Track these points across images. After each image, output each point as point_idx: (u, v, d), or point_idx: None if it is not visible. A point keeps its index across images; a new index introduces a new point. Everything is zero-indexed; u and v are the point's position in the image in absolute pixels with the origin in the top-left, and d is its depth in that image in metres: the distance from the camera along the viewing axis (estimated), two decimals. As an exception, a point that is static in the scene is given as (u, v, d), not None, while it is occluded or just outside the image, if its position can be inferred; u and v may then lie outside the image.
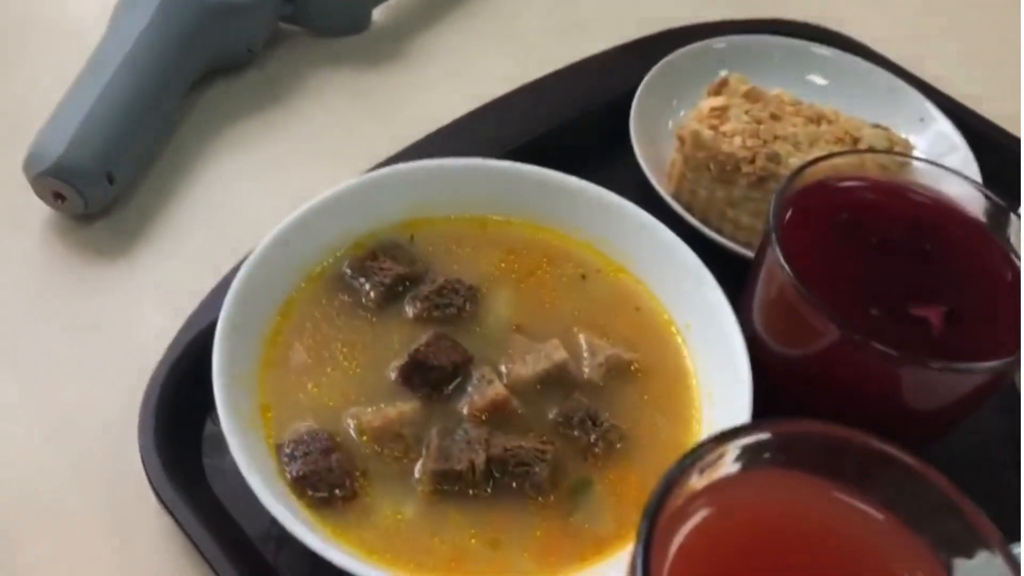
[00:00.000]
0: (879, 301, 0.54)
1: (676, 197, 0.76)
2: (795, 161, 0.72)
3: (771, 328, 0.56)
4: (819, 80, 0.87)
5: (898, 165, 0.60)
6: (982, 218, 0.58)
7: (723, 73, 0.82)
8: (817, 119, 0.76)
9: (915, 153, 0.80)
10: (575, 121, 0.81)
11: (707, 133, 0.72)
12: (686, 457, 0.35)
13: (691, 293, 0.61)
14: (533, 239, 0.66)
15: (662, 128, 0.81)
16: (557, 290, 0.64)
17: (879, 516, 0.36)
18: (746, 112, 0.75)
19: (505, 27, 0.96)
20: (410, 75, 0.90)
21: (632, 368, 0.59)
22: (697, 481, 0.36)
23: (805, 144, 0.74)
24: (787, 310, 0.54)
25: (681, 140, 0.74)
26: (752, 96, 0.77)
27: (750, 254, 0.65)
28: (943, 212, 0.59)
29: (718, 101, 0.76)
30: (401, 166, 0.65)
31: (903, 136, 0.81)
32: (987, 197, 0.58)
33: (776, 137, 0.73)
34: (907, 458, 0.36)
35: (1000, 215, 0.57)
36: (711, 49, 0.84)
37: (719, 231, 0.75)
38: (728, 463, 0.37)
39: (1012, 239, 0.57)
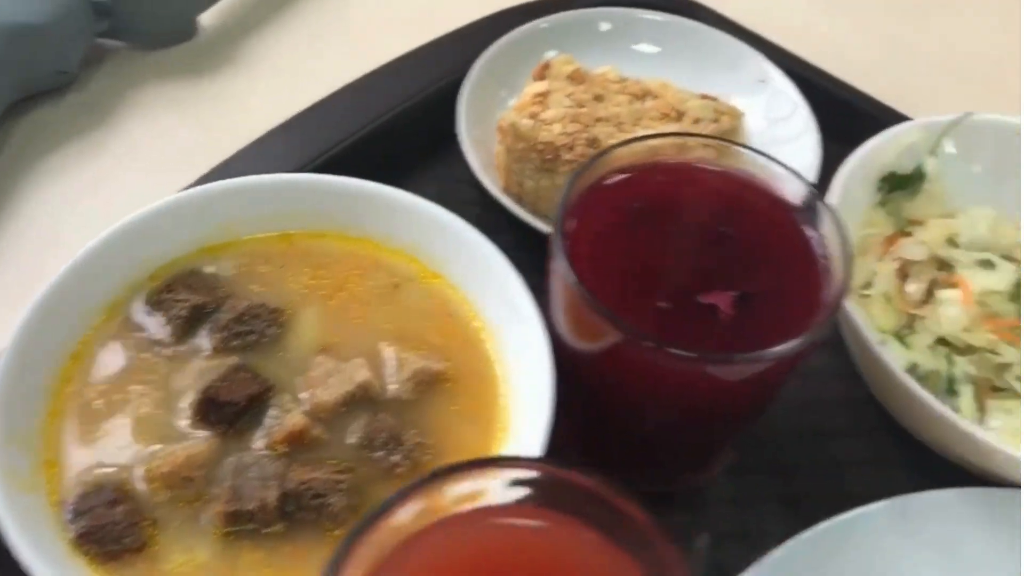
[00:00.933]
0: (669, 292, 0.53)
1: (507, 190, 0.74)
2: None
3: (567, 328, 0.55)
4: (650, 48, 0.85)
5: (702, 145, 0.59)
6: (788, 199, 0.56)
7: (549, 55, 0.80)
8: (643, 95, 0.74)
9: (748, 117, 0.79)
10: (403, 118, 0.78)
11: (525, 123, 0.70)
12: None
13: (500, 296, 0.59)
14: (343, 251, 0.64)
15: (492, 120, 0.79)
16: (368, 303, 0.61)
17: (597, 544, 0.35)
18: (568, 95, 0.73)
19: (337, 23, 0.93)
20: (239, 81, 0.87)
21: (442, 378, 0.58)
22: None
23: (628, 123, 0.72)
24: (575, 310, 0.52)
25: (502, 132, 0.72)
26: (576, 77, 0.75)
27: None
28: (745, 194, 0.57)
29: (540, 87, 0.73)
30: (193, 191, 0.62)
31: (735, 103, 0.80)
32: (794, 176, 0.56)
33: (598, 119, 0.72)
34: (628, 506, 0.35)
35: (806, 195, 0.55)
36: (537, 31, 0.82)
37: (549, 218, 0.73)
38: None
39: (816, 219, 0.55)
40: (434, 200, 0.77)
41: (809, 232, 0.55)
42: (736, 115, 0.74)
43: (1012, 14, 1.00)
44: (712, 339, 0.51)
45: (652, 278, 0.53)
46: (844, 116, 0.81)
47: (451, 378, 0.58)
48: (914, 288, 0.66)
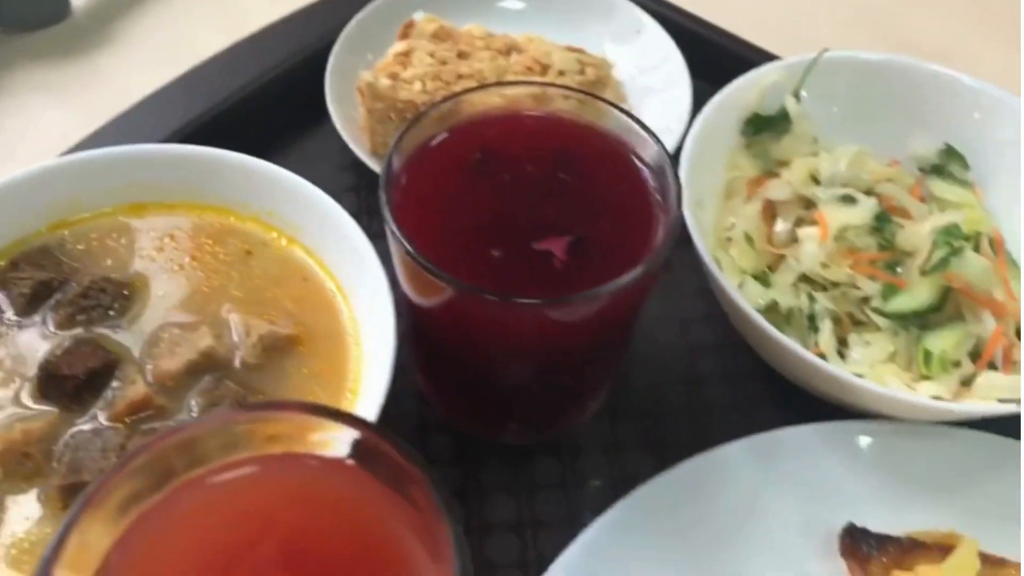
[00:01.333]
0: (503, 242, 0.52)
1: (374, 152, 0.73)
2: (478, 99, 0.69)
3: (407, 285, 0.54)
4: (516, 4, 0.84)
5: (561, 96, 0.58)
6: (630, 145, 0.56)
7: (416, 17, 0.79)
8: (508, 51, 0.73)
9: (620, 67, 0.79)
10: (273, 86, 0.77)
11: (384, 82, 0.69)
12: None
13: (353, 260, 0.59)
14: (196, 221, 0.63)
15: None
16: (219, 271, 0.60)
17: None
18: (431, 54, 0.72)
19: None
20: (114, 61, 0.85)
21: (293, 342, 0.57)
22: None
23: (492, 79, 0.71)
24: (407, 267, 0.51)
25: (361, 93, 0.71)
26: (441, 35, 0.74)
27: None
28: (585, 143, 0.56)
29: (402, 46, 0.73)
30: (33, 168, 0.61)
31: (608, 53, 0.79)
32: (631, 121, 0.55)
33: (460, 76, 0.71)
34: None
35: (643, 138, 0.55)
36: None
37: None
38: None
39: (654, 163, 0.55)
40: (307, 166, 0.76)
41: (645, 175, 0.54)
42: (603, 66, 0.73)
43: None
44: (547, 285, 0.50)
45: (487, 229, 0.53)
46: (721, 62, 0.81)
47: (303, 342, 0.57)
48: (780, 228, 0.67)
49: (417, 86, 0.69)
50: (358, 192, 0.74)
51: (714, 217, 0.67)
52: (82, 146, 0.71)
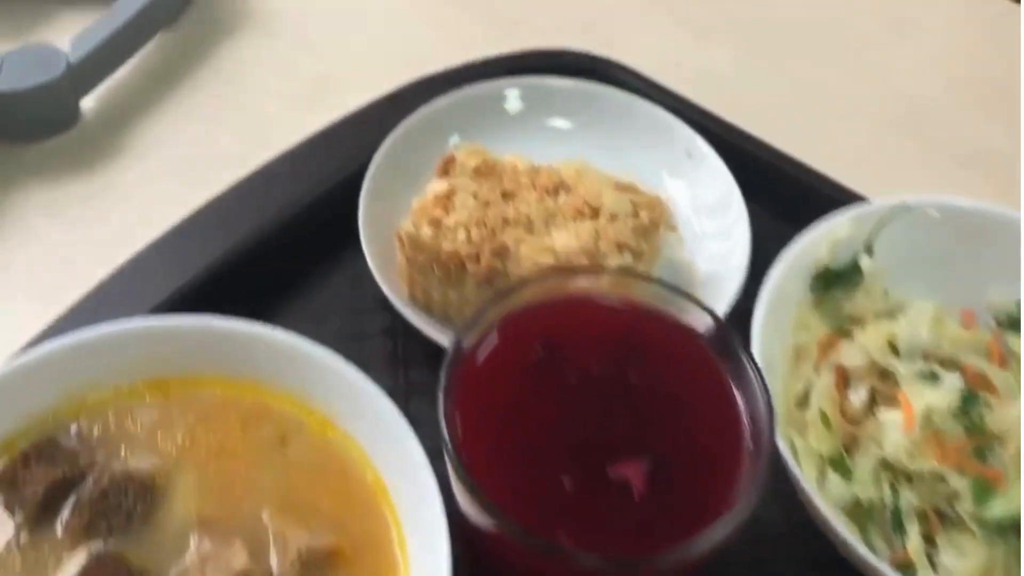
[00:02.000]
0: (574, 465, 0.47)
1: (412, 300, 0.68)
2: (526, 250, 0.64)
3: (464, 508, 0.49)
4: (563, 123, 0.79)
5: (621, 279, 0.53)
6: (704, 337, 0.51)
7: (452, 143, 0.73)
8: (555, 189, 0.68)
9: (675, 203, 0.73)
10: (297, 221, 0.72)
11: (425, 232, 0.64)
12: None
13: (397, 454, 0.53)
14: (226, 399, 0.57)
15: (398, 217, 0.72)
16: (252, 463, 0.55)
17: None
18: (474, 195, 0.67)
19: (234, 98, 0.86)
20: (127, 172, 0.79)
21: (333, 556, 0.52)
22: None
23: (540, 224, 0.66)
24: (465, 499, 0.46)
25: (401, 241, 0.65)
26: (483, 171, 0.68)
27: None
28: (656, 335, 0.51)
29: (442, 186, 0.67)
30: (39, 353, 0.55)
31: (661, 182, 0.74)
32: (714, 319, 0.50)
33: (506, 221, 0.65)
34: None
35: (725, 338, 0.50)
36: (437, 112, 0.76)
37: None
38: None
39: (735, 363, 0.50)
40: (339, 311, 0.71)
41: (728, 377, 0.49)
42: (657, 207, 0.68)
43: (953, 55, 0.95)
44: (628, 529, 0.45)
45: (554, 448, 0.47)
46: (784, 194, 0.76)
47: (345, 556, 0.52)
48: (856, 400, 0.62)
49: (461, 235, 0.64)
50: (393, 338, 0.69)
51: (782, 383, 0.62)
52: (84, 305, 0.65)
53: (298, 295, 0.71)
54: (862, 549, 0.51)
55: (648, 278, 0.52)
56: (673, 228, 0.73)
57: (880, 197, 0.68)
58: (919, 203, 0.66)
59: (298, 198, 0.72)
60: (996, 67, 0.94)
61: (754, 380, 0.48)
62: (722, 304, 0.66)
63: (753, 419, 0.47)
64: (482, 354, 0.50)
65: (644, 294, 0.52)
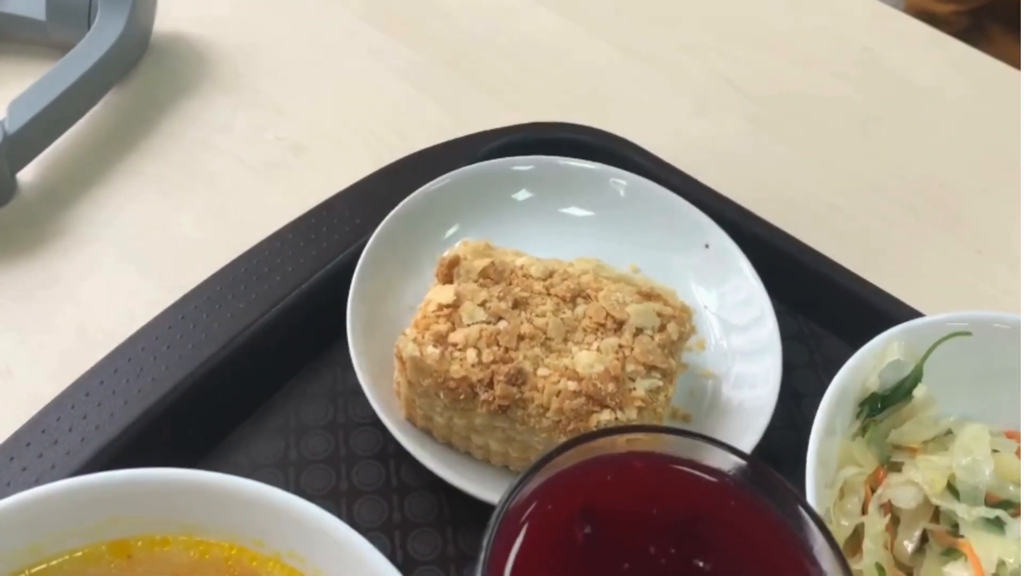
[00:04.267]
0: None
1: (411, 421, 0.60)
2: (544, 373, 0.57)
3: None
4: (577, 211, 0.72)
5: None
6: (774, 510, 0.44)
7: (451, 234, 0.66)
8: (572, 297, 0.61)
9: (702, 312, 0.67)
10: (277, 321, 0.63)
11: (431, 353, 0.56)
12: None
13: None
14: (200, 562, 0.48)
15: (390, 320, 0.64)
16: (233, 643, 0.47)
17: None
18: (482, 305, 0.59)
19: (193, 168, 0.76)
20: (71, 259, 0.69)
21: None
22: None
23: (558, 340, 0.59)
24: None
25: (400, 361, 0.57)
26: (491, 275, 0.61)
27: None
28: (717, 502, 0.44)
29: (447, 295, 0.59)
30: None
31: (684, 280, 0.68)
32: (776, 487, 0.44)
33: (521, 338, 0.58)
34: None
35: (790, 504, 0.43)
36: (434, 194, 0.68)
37: (468, 455, 0.60)
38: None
39: (804, 533, 0.43)
40: (323, 430, 0.63)
41: (790, 537, 0.43)
42: (684, 319, 0.61)
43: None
44: None
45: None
46: (823, 303, 0.70)
47: None
48: (907, 544, 0.56)
49: (471, 355, 0.56)
50: (385, 462, 0.60)
51: (830, 525, 0.56)
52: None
53: (274, 414, 0.62)
54: None
55: (693, 435, 0.45)
56: (695, 332, 0.67)
57: (925, 305, 0.63)
58: (978, 322, 0.60)
59: (272, 303, 0.63)
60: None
61: (821, 539, 0.42)
62: (755, 432, 0.59)
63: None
64: (520, 531, 0.42)
65: (676, 445, 0.45)
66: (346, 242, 0.67)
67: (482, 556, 0.40)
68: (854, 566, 0.54)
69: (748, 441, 0.59)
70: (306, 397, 0.63)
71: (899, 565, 0.55)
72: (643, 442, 0.46)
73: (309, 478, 0.60)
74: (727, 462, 0.45)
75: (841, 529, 0.56)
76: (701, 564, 0.43)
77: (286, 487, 0.50)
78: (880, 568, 0.54)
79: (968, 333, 0.59)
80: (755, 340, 0.64)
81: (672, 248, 0.70)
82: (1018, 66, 0.98)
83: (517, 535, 0.42)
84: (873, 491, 0.58)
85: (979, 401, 0.62)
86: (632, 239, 0.70)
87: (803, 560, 0.43)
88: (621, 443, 0.46)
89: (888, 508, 0.57)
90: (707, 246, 0.70)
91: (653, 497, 0.45)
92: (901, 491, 0.56)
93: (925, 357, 0.59)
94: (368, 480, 0.60)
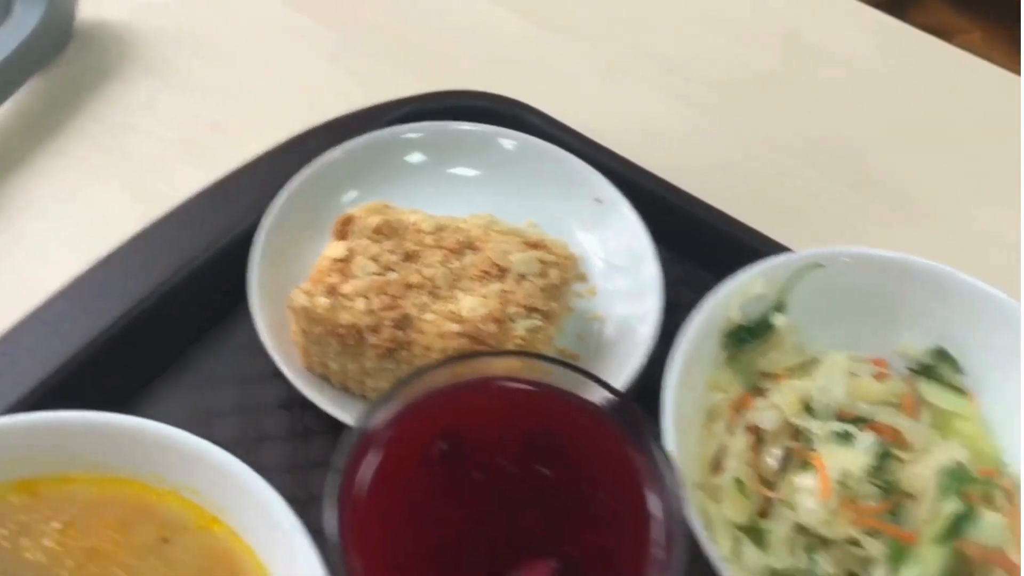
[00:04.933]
0: (477, 568, 0.44)
1: (310, 370, 0.64)
2: (430, 318, 0.61)
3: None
4: (468, 172, 0.76)
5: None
6: (617, 427, 0.48)
7: (351, 197, 0.70)
8: (461, 249, 0.65)
9: (587, 257, 0.71)
10: (187, 283, 0.67)
11: (321, 302, 0.60)
12: None
13: (283, 546, 0.50)
14: (102, 498, 0.53)
15: (294, 279, 0.68)
16: (131, 566, 0.51)
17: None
18: (374, 258, 0.63)
19: (120, 149, 0.80)
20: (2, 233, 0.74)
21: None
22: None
23: (445, 288, 0.63)
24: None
25: (294, 312, 0.62)
26: (385, 231, 0.65)
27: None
28: (570, 425, 0.49)
29: (339, 250, 0.63)
30: None
31: (573, 234, 0.72)
32: (626, 405, 0.48)
33: (410, 287, 0.62)
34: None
35: (637, 426, 0.48)
36: (334, 164, 0.72)
37: (364, 398, 0.64)
38: None
39: (649, 458, 0.47)
40: (230, 384, 0.67)
41: (639, 469, 0.47)
42: (567, 266, 0.65)
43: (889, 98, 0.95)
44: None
45: (451, 550, 0.44)
46: (705, 245, 0.74)
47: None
48: (771, 461, 0.60)
49: (360, 304, 0.60)
50: (290, 410, 0.65)
51: (696, 446, 0.61)
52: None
53: (186, 369, 0.66)
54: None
55: (556, 361, 0.49)
56: (584, 279, 0.71)
57: (804, 248, 0.67)
58: (831, 256, 0.64)
59: (183, 264, 0.67)
60: (928, 108, 0.94)
61: (666, 475, 0.46)
62: (632, 367, 0.64)
63: (665, 513, 0.45)
64: (380, 449, 0.46)
65: (551, 375, 0.50)
66: (253, 208, 0.70)
67: (335, 473, 0.45)
68: (716, 481, 0.59)
69: (626, 374, 0.64)
70: (217, 352, 0.67)
71: (764, 481, 0.60)
72: (507, 367, 0.51)
73: (221, 427, 0.64)
74: (586, 388, 0.49)
75: (708, 451, 0.61)
76: (547, 472, 0.47)
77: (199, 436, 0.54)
78: (740, 482, 0.58)
79: (821, 265, 0.63)
80: (638, 282, 0.69)
81: (564, 203, 0.74)
82: (941, 34, 1.01)
83: (374, 453, 0.46)
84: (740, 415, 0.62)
85: (847, 333, 0.66)
86: (525, 196, 0.74)
87: (642, 478, 0.47)
88: (486, 369, 0.50)
89: (754, 430, 0.61)
90: (598, 200, 0.74)
91: (510, 417, 0.49)
92: (763, 413, 0.61)
93: (785, 289, 0.63)
94: (274, 427, 0.64)
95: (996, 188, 0.87)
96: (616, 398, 0.48)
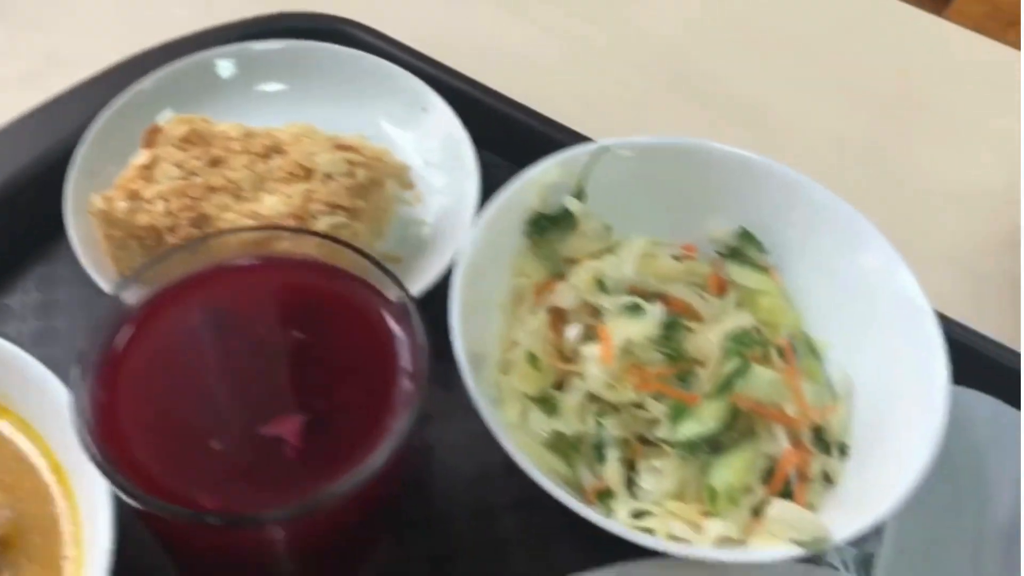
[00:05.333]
0: (226, 430, 0.45)
1: (121, 275, 0.65)
2: (230, 217, 0.62)
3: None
4: (276, 86, 0.77)
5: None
6: (381, 293, 0.49)
7: (164, 116, 0.71)
8: (268, 153, 0.66)
9: (404, 154, 0.73)
10: (6, 203, 0.68)
11: (120, 206, 0.61)
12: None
13: (69, 433, 0.51)
14: None
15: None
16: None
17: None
18: (178, 164, 0.64)
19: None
20: None
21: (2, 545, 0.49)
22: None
23: (249, 190, 0.64)
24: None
25: (95, 218, 0.63)
26: (192, 139, 0.66)
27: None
28: (327, 294, 0.50)
29: (145, 157, 0.64)
30: None
31: (392, 140, 0.74)
32: (382, 270, 0.49)
33: (212, 189, 0.63)
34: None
35: (390, 287, 0.49)
36: (148, 87, 0.73)
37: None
38: None
39: (398, 312, 0.49)
40: (48, 295, 0.68)
41: (392, 328, 0.49)
42: (376, 166, 0.67)
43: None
44: (278, 484, 0.44)
45: (202, 416, 0.46)
46: (517, 138, 0.76)
47: (14, 544, 0.49)
48: (572, 336, 0.62)
49: (159, 206, 0.61)
50: (89, 308, 0.66)
51: (501, 329, 0.62)
52: None
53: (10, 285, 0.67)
54: (545, 482, 0.51)
55: (318, 235, 0.51)
56: (409, 185, 0.73)
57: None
58: (626, 144, 0.66)
59: (2, 184, 0.68)
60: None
61: (416, 329, 0.47)
62: (445, 261, 0.65)
63: (413, 365, 0.47)
64: (137, 319, 0.48)
65: (327, 255, 0.51)
66: (80, 132, 0.71)
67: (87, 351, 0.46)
68: (509, 356, 0.60)
69: (439, 266, 0.65)
70: (39, 266, 0.68)
71: (564, 358, 0.62)
72: (271, 243, 0.52)
73: (39, 335, 0.65)
74: (358, 266, 0.50)
75: (512, 333, 0.62)
76: (302, 338, 0.49)
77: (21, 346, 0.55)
78: (532, 356, 0.60)
79: (611, 151, 0.65)
80: (459, 184, 0.71)
81: (391, 112, 0.76)
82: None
83: (130, 324, 0.48)
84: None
85: (657, 221, 0.67)
86: (349, 109, 0.75)
87: (396, 345, 0.48)
88: (254, 245, 0.52)
89: (557, 311, 0.63)
90: (424, 109, 0.76)
91: (272, 289, 0.51)
92: (562, 294, 0.62)
93: (584, 175, 0.65)
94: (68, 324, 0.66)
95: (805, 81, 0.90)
96: (378, 268, 0.50)
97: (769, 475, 0.57)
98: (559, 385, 0.61)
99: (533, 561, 0.59)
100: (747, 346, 0.59)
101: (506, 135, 0.76)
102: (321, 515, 0.43)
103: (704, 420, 0.56)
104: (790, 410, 0.57)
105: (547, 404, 0.59)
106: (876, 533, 0.62)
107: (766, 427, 0.58)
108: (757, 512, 0.55)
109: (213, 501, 0.43)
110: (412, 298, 0.48)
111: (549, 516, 0.60)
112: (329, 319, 0.49)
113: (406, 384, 0.46)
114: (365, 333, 0.49)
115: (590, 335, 0.62)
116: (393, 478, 0.48)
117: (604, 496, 0.56)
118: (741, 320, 0.61)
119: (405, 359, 0.47)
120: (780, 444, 0.57)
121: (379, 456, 0.43)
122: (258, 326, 0.49)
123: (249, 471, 0.45)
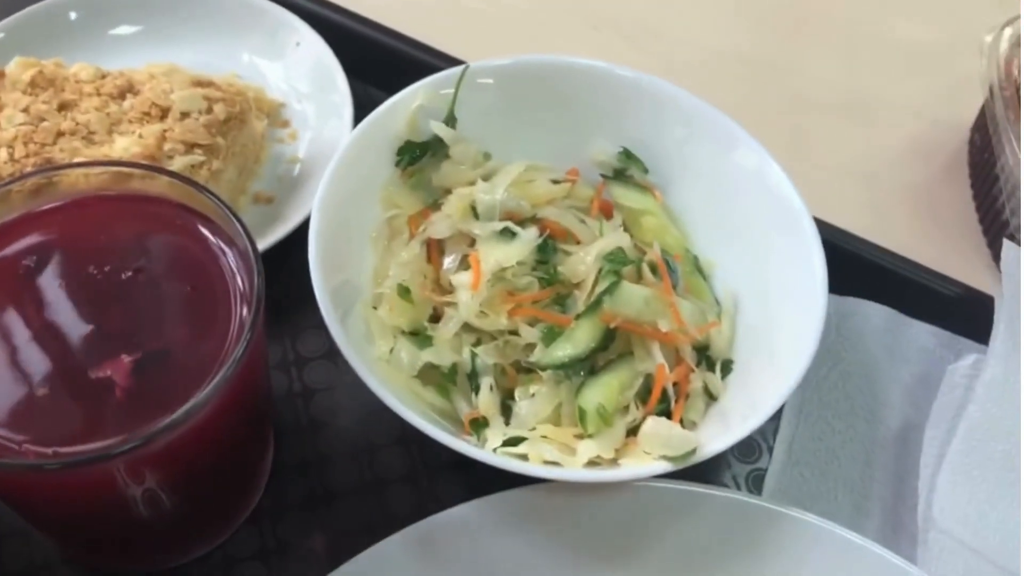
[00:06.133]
0: (54, 374, 0.43)
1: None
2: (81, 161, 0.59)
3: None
4: (129, 29, 0.74)
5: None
6: (218, 226, 0.48)
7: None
8: (122, 94, 0.63)
9: (273, 91, 0.70)
10: None
11: (-43, 156, 0.58)
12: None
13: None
14: None
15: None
16: None
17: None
18: (24, 110, 0.61)
19: None
20: None
21: None
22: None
23: (102, 133, 0.61)
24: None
25: (-67, 173, 0.59)
26: (40, 83, 0.63)
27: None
28: (162, 230, 0.48)
29: (-14, 105, 0.61)
30: None
31: (264, 74, 0.71)
32: (209, 196, 0.47)
33: (61, 134, 0.60)
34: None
35: (227, 219, 0.47)
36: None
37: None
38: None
39: (235, 243, 0.47)
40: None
41: (228, 261, 0.47)
42: (236, 100, 0.64)
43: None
44: (108, 422, 0.42)
45: (28, 362, 0.44)
46: (394, 67, 0.73)
47: None
48: (448, 266, 0.60)
49: (3, 154, 0.58)
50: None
51: (377, 265, 0.60)
52: None
53: None
54: (409, 414, 0.50)
55: (162, 171, 0.48)
56: (283, 123, 0.70)
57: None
58: (496, 66, 0.64)
59: None
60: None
61: (250, 260, 0.46)
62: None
63: (249, 294, 0.45)
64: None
65: (179, 195, 0.49)
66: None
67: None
68: (380, 290, 0.58)
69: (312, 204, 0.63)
70: None
71: (443, 290, 0.60)
72: (122, 183, 0.49)
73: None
74: (203, 204, 0.48)
75: (384, 264, 0.60)
76: (132, 278, 0.46)
77: None
78: (404, 288, 0.57)
79: (473, 70, 0.62)
80: (330, 111, 0.68)
81: (262, 49, 0.73)
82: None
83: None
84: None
85: (538, 146, 0.65)
86: (215, 47, 0.72)
87: (229, 283, 0.47)
88: (85, 182, 0.49)
89: (433, 242, 0.61)
90: (298, 44, 0.73)
91: (103, 231, 0.48)
92: (436, 223, 0.60)
93: (453, 102, 0.62)
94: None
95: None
96: (218, 204, 0.47)
97: (649, 394, 0.56)
98: (439, 318, 0.59)
99: (417, 496, 0.58)
100: (621, 264, 0.57)
101: (382, 64, 0.73)
102: (162, 451, 0.42)
103: (576, 341, 0.55)
104: (664, 326, 0.56)
105: (421, 337, 0.57)
106: (769, 449, 0.62)
107: (643, 346, 0.57)
108: (636, 432, 0.54)
109: (44, 450, 0.41)
110: (246, 229, 0.46)
111: (431, 451, 0.59)
112: (163, 257, 0.47)
113: (242, 313, 0.45)
114: (199, 269, 0.46)
115: (466, 264, 0.60)
116: (240, 411, 0.46)
117: (479, 425, 0.55)
118: (616, 239, 0.59)
119: (242, 290, 0.45)
120: (656, 362, 0.56)
121: (211, 389, 0.41)
122: (89, 267, 0.46)
123: (79, 416, 0.42)
